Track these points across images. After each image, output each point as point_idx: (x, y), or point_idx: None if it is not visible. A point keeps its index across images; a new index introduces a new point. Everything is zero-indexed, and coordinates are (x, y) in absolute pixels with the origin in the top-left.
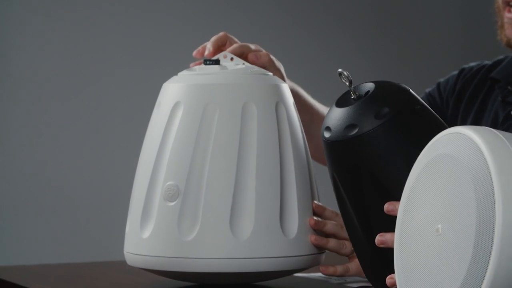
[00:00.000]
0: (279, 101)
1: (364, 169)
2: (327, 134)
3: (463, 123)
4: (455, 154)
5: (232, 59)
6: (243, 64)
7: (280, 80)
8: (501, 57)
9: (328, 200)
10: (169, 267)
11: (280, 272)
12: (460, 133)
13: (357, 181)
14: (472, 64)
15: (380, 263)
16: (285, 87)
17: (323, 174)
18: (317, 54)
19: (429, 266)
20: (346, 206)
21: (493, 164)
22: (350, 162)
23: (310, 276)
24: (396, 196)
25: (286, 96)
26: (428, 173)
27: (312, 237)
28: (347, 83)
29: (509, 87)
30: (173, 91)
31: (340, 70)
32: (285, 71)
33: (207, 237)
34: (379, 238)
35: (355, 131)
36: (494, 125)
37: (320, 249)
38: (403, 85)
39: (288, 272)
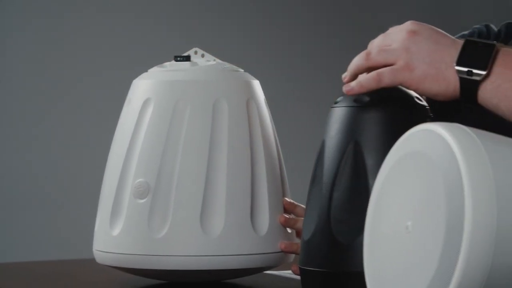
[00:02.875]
0: (250, 97)
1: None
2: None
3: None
4: (425, 151)
5: (203, 55)
6: (214, 60)
7: (252, 77)
8: None
9: (299, 197)
10: (139, 265)
11: (250, 270)
12: (430, 130)
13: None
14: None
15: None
16: (257, 84)
17: (293, 171)
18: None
19: (398, 263)
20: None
21: (463, 162)
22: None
23: (281, 273)
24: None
25: (257, 92)
26: (398, 170)
27: (282, 218)
28: None
29: None
30: (143, 88)
31: None
32: (287, 73)
33: (177, 234)
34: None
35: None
36: None
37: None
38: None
39: (258, 270)
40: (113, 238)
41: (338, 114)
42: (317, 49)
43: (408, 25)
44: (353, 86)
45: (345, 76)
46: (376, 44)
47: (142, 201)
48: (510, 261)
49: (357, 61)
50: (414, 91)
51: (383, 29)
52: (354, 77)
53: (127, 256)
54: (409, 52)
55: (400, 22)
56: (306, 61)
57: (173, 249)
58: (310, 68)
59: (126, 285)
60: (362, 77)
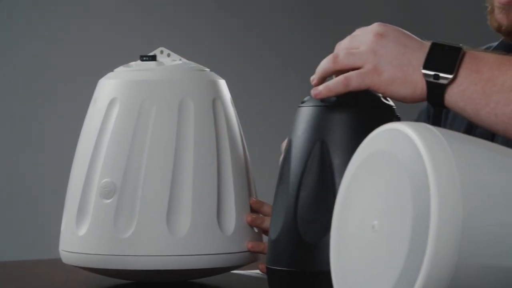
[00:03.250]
0: (216, 97)
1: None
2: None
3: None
4: (391, 151)
5: (169, 55)
6: (180, 60)
7: (218, 76)
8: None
9: (266, 196)
10: (105, 265)
11: (217, 269)
12: (396, 129)
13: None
14: None
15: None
16: (223, 83)
17: (260, 171)
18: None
19: (365, 262)
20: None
21: (429, 161)
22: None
23: (248, 273)
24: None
25: (223, 92)
26: (365, 169)
27: (248, 218)
28: None
29: None
30: (109, 88)
31: None
32: (283, 72)
33: (143, 234)
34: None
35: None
36: None
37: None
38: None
39: (225, 269)
40: (79, 238)
41: (305, 114)
42: (283, 49)
43: (375, 27)
44: (321, 90)
45: (313, 78)
46: (343, 46)
47: (108, 201)
48: (475, 260)
49: (324, 64)
50: (382, 94)
51: (351, 29)
52: (322, 80)
53: (93, 256)
54: (377, 55)
55: (367, 22)
56: (272, 60)
57: (139, 249)
58: (277, 68)
59: (92, 285)
60: (331, 81)
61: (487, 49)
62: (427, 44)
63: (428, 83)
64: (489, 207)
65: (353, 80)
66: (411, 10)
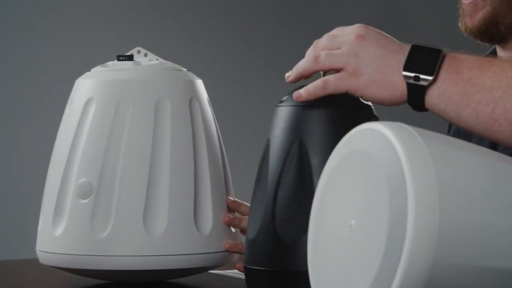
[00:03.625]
0: (193, 97)
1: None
2: None
3: None
4: (369, 150)
5: (146, 55)
6: (157, 60)
7: (195, 76)
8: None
9: (243, 196)
10: (82, 265)
11: (194, 269)
12: (374, 129)
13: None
14: None
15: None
16: (200, 83)
17: (238, 171)
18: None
19: (342, 262)
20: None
21: (406, 160)
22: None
23: (225, 273)
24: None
25: (200, 92)
26: (342, 169)
27: (225, 218)
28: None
29: None
30: (86, 87)
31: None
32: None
33: (120, 234)
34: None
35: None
36: None
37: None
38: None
39: (203, 269)
40: (56, 238)
41: (283, 113)
42: (260, 48)
43: (356, 28)
44: (301, 93)
45: (289, 75)
46: (323, 45)
47: (85, 201)
48: (452, 259)
49: (305, 63)
50: (361, 97)
51: (329, 29)
52: (299, 78)
53: (70, 257)
54: (357, 57)
55: (345, 21)
56: (249, 60)
57: (116, 249)
58: (254, 67)
59: (69, 285)
60: (310, 85)
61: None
62: (407, 46)
63: (409, 85)
64: (466, 207)
65: (331, 84)
66: (389, 10)
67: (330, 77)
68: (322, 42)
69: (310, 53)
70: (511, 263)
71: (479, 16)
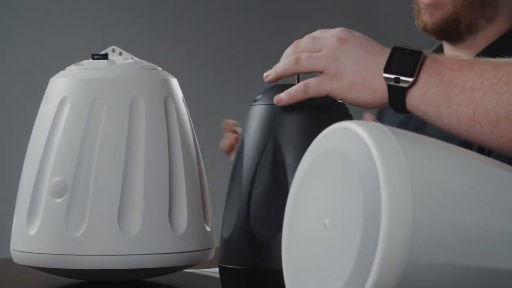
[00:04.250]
0: (168, 96)
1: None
2: None
3: (387, 112)
4: (342, 149)
5: (120, 53)
6: (132, 58)
7: (170, 75)
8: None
9: (218, 195)
10: (56, 264)
11: (169, 268)
12: (347, 128)
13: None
14: None
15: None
16: (174, 82)
17: (213, 170)
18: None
19: (316, 261)
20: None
21: (379, 159)
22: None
23: (201, 272)
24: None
25: (175, 91)
26: (316, 168)
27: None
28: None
29: None
30: (60, 86)
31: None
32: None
33: (95, 233)
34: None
35: None
36: None
37: (209, 244)
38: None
39: (177, 268)
40: (30, 237)
41: (257, 112)
42: (235, 47)
43: (338, 32)
44: (282, 97)
45: (268, 74)
46: (303, 46)
47: (59, 200)
48: (425, 258)
49: (285, 64)
50: (341, 100)
51: (304, 28)
52: (278, 79)
53: (44, 256)
54: (338, 61)
55: (320, 21)
56: (224, 59)
57: (91, 248)
58: (229, 66)
59: (44, 285)
60: (291, 88)
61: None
62: (388, 49)
63: (389, 87)
64: (439, 206)
65: (312, 87)
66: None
67: (311, 81)
68: (303, 43)
69: (289, 52)
70: (484, 262)
71: (440, 14)
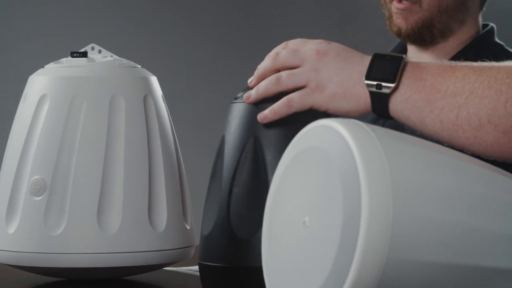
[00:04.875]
0: (147, 94)
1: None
2: None
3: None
4: (322, 147)
5: (100, 51)
6: (111, 56)
7: (149, 73)
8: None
9: (198, 193)
10: (35, 263)
11: (149, 267)
12: (327, 125)
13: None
14: None
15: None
16: (154, 80)
17: (193, 167)
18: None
19: (296, 258)
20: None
21: (359, 157)
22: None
23: (181, 269)
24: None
25: (154, 88)
26: (296, 165)
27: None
28: None
29: None
30: (40, 84)
31: None
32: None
33: (74, 232)
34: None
35: None
36: None
37: (189, 242)
38: None
39: (157, 266)
40: (9, 236)
41: (238, 110)
42: (215, 45)
43: (317, 44)
44: (266, 114)
45: (249, 95)
46: (283, 60)
47: (38, 198)
48: (405, 256)
49: (267, 85)
50: (326, 111)
51: (280, 27)
52: (261, 98)
53: (23, 254)
54: (318, 73)
55: (294, 21)
56: (204, 57)
57: (70, 247)
58: (208, 64)
59: (24, 283)
60: (275, 105)
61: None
62: (369, 56)
63: (372, 94)
64: (419, 203)
65: (296, 101)
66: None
67: (294, 95)
68: (282, 56)
69: (268, 66)
70: (463, 260)
71: (415, 19)
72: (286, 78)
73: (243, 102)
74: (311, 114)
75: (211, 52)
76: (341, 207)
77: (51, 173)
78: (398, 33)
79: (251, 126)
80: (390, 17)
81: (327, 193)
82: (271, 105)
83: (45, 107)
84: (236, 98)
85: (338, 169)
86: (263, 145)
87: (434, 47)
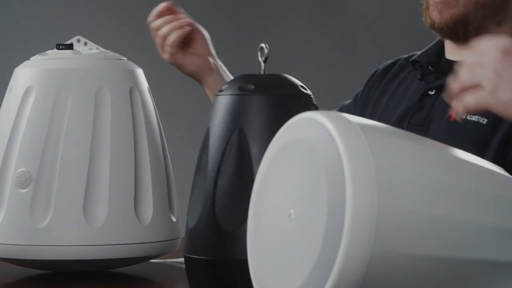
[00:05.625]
0: (133, 86)
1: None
2: None
3: (377, 103)
4: (307, 139)
5: (86, 43)
6: (97, 48)
7: (135, 65)
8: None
9: (184, 185)
10: (21, 255)
11: (135, 259)
12: (312, 118)
13: None
14: (388, 61)
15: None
16: (140, 72)
17: (178, 160)
18: None
19: (282, 251)
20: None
21: (343, 149)
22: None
23: (167, 261)
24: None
25: (140, 81)
26: (281, 158)
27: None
28: (263, 59)
29: (429, 67)
30: (25, 76)
31: (262, 44)
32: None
33: (60, 224)
34: None
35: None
36: (409, 104)
37: (175, 234)
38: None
39: (143, 259)
40: None
41: (223, 102)
42: None
43: (503, 43)
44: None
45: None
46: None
47: (24, 190)
48: (390, 247)
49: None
50: (500, 114)
51: (267, 20)
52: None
53: (9, 247)
54: (499, 77)
55: (279, 17)
56: None
57: (56, 239)
58: None
59: (9, 276)
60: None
61: (412, 55)
62: None
63: None
64: (403, 196)
65: (471, 104)
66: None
67: (470, 98)
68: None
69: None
70: (449, 252)
71: (450, 13)
72: (465, 73)
73: (228, 94)
74: (299, 107)
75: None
76: (325, 199)
77: (37, 166)
78: (432, 26)
79: (236, 119)
80: (427, 8)
81: (312, 185)
82: (257, 97)
83: (31, 99)
84: (221, 90)
85: (323, 161)
86: (248, 137)
87: (468, 44)
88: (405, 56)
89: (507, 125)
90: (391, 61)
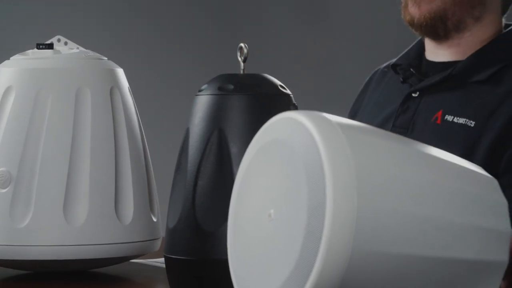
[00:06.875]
0: (114, 86)
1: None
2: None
3: (365, 110)
4: (287, 139)
5: (66, 43)
6: (78, 48)
7: (115, 65)
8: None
9: (164, 185)
10: (1, 255)
11: (116, 259)
12: (292, 118)
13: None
14: (376, 68)
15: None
16: (120, 72)
17: (159, 160)
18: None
19: (262, 251)
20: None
21: (323, 149)
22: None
23: (147, 262)
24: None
25: (121, 81)
26: (261, 158)
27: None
28: (242, 59)
29: (411, 69)
30: (5, 76)
31: (242, 44)
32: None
33: (40, 224)
34: None
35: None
36: (393, 107)
37: (156, 234)
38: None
39: (124, 259)
40: None
41: (202, 102)
42: (181, 37)
43: None
44: None
45: None
46: None
47: (4, 190)
48: (370, 247)
49: None
50: None
51: (253, 24)
52: None
53: None
54: None
55: (261, 17)
56: (170, 49)
57: (36, 239)
58: (174, 56)
59: None
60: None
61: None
62: None
63: None
64: (384, 195)
65: None
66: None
67: None
68: None
69: None
70: (430, 251)
71: (428, 8)
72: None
73: (208, 94)
74: (279, 106)
75: (177, 44)
76: (306, 199)
77: (17, 165)
78: (411, 23)
79: (216, 119)
80: (406, 6)
81: (292, 185)
82: (237, 96)
83: (11, 99)
84: (200, 90)
85: (303, 161)
86: (227, 137)
87: (448, 41)
88: (385, 64)
89: (496, 128)
90: (376, 69)
